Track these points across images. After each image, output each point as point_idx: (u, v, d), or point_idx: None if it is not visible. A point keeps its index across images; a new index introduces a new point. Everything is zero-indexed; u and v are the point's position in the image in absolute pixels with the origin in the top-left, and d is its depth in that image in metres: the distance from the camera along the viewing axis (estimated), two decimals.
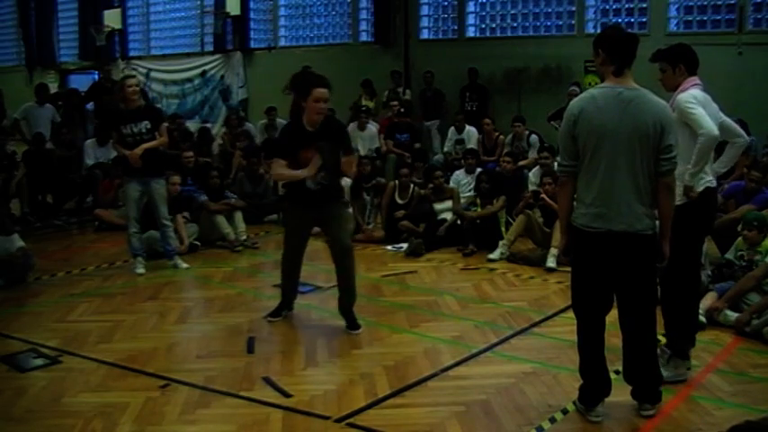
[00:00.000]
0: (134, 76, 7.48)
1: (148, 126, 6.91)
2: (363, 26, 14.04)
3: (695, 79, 4.34)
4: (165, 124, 7.35)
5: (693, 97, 4.21)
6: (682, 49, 4.40)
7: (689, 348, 4.46)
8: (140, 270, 7.07)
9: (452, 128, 11.01)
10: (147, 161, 6.82)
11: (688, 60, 4.34)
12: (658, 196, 3.76)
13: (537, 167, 8.60)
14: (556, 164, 8.38)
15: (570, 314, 5.63)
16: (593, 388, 3.93)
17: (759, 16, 10.61)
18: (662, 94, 4.02)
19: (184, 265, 7.30)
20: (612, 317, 3.93)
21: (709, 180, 4.32)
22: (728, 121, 4.55)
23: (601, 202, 3.71)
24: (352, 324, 5.43)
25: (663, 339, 4.47)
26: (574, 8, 11.92)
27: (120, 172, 7.89)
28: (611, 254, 3.73)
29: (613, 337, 4.00)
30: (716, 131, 4.16)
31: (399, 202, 8.56)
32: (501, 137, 10.41)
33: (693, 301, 4.58)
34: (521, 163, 9.53)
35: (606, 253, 3.74)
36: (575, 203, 3.88)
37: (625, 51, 3.76)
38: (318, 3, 14.62)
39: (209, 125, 13.80)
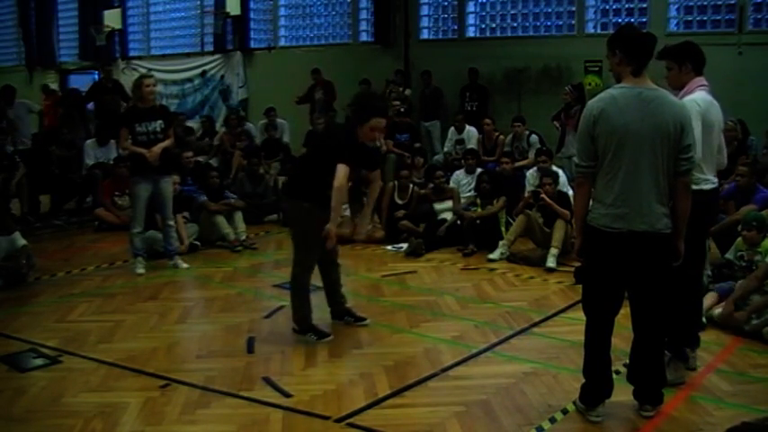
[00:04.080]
0: (151, 76, 7.47)
1: (163, 125, 6.99)
2: (363, 26, 14.01)
3: (701, 80, 4.29)
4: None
5: (697, 105, 4.11)
6: (689, 47, 4.34)
7: (694, 348, 4.46)
8: (140, 270, 7.07)
9: (452, 128, 10.99)
10: (159, 160, 6.91)
11: (695, 59, 4.29)
12: (677, 195, 3.76)
13: (534, 168, 8.60)
14: (554, 166, 8.44)
15: (570, 314, 5.68)
16: (596, 388, 3.93)
17: (759, 16, 10.58)
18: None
19: (184, 265, 7.31)
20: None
21: (712, 181, 4.32)
22: (722, 142, 4.47)
23: (622, 203, 3.69)
24: (359, 316, 5.53)
25: None
26: (574, 8, 11.88)
27: (127, 171, 7.91)
28: (631, 254, 3.72)
29: (614, 338, 3.99)
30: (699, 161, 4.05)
31: (399, 202, 8.57)
32: (501, 137, 10.39)
33: (696, 302, 4.57)
34: (520, 163, 9.53)
35: (625, 253, 3.73)
36: (590, 204, 3.87)
37: (643, 51, 3.74)
38: (318, 3, 14.59)
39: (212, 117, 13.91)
